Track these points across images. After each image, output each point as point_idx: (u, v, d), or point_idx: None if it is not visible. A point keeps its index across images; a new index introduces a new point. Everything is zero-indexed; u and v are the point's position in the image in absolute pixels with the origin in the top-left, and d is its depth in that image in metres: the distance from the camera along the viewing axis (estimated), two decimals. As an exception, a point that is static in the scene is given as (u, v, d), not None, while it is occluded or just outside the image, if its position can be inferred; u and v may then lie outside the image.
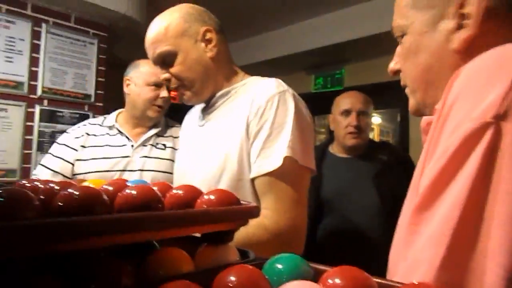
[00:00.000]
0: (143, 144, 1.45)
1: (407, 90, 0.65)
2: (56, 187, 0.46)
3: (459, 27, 0.52)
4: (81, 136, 1.43)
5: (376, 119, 4.58)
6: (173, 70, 0.98)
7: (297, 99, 0.96)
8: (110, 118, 1.53)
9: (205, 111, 1.07)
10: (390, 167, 1.50)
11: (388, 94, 3.44)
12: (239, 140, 0.93)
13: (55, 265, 0.35)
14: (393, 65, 0.66)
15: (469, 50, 0.51)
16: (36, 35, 2.44)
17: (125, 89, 1.54)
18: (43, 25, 2.46)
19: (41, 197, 0.45)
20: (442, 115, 0.45)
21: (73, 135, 1.45)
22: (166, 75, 0.99)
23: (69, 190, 0.41)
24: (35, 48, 2.45)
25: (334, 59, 3.71)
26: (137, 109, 1.47)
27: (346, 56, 3.64)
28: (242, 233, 0.80)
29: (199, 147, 1.04)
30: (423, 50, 0.57)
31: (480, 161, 0.36)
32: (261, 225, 0.86)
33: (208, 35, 0.98)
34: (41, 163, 1.43)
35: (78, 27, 2.62)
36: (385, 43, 3.26)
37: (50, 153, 1.44)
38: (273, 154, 0.89)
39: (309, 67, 4.01)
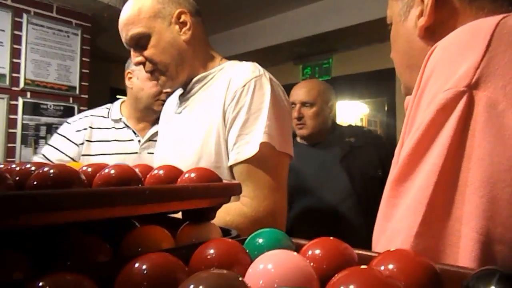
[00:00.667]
0: (150, 139, 1.41)
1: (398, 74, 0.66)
2: (32, 168, 0.45)
3: (421, 14, 0.54)
4: (83, 130, 1.38)
5: (363, 109, 4.60)
6: (147, 53, 0.95)
7: (274, 83, 0.94)
8: (115, 111, 1.47)
9: (182, 98, 1.05)
10: (358, 148, 1.53)
11: (375, 84, 3.46)
12: (215, 127, 0.92)
13: (31, 241, 0.34)
14: (391, 54, 0.67)
15: (432, 36, 0.53)
16: (17, 25, 2.38)
17: (127, 83, 1.49)
18: (24, 15, 2.40)
19: (16, 178, 0.44)
20: (419, 90, 0.45)
21: (74, 127, 1.39)
22: (139, 59, 0.96)
23: (45, 168, 0.40)
24: (16, 39, 2.39)
25: (321, 48, 3.70)
26: (141, 103, 1.43)
27: (334, 45, 3.64)
28: (221, 221, 0.79)
29: (176, 134, 1.02)
30: (400, 37, 0.60)
31: (454, 129, 0.37)
32: (241, 213, 0.86)
33: (183, 18, 0.95)
34: (42, 152, 1.38)
35: (61, 17, 2.57)
36: (372, 32, 3.28)
37: (50, 144, 1.39)
38: (250, 140, 0.87)
39: (296, 57, 4.00)
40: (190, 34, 0.96)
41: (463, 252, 0.35)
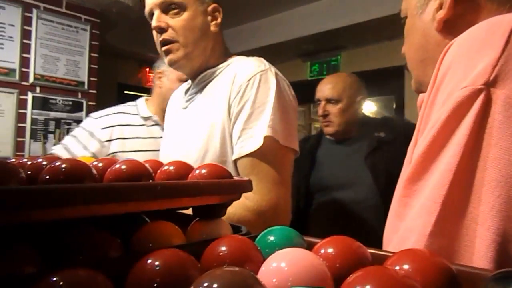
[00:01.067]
0: None
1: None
2: (44, 162, 0.45)
3: (440, 7, 0.53)
4: (110, 127, 1.38)
5: (371, 107, 4.57)
6: (174, 22, 0.94)
7: (279, 78, 0.94)
8: (144, 108, 1.48)
9: (189, 93, 1.06)
10: (387, 143, 1.46)
11: (384, 81, 3.43)
12: (220, 121, 0.92)
13: (42, 236, 0.34)
14: (402, 48, 0.66)
15: (450, 30, 0.52)
16: (27, 20, 2.40)
17: (156, 82, 1.51)
18: (34, 10, 2.42)
19: (28, 172, 0.45)
20: (434, 87, 0.44)
21: (101, 124, 1.39)
22: (162, 24, 0.94)
23: (57, 163, 0.40)
24: (26, 34, 2.40)
25: (330, 45, 3.68)
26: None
27: (342, 42, 3.61)
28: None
29: (182, 130, 1.02)
30: (416, 31, 0.59)
31: (471, 128, 0.36)
32: (244, 206, 0.86)
33: (217, 13, 0.99)
34: (64, 142, 1.38)
35: (70, 12, 2.58)
36: (381, 29, 3.24)
37: (74, 136, 1.38)
38: (254, 134, 0.87)
39: (304, 54, 3.98)
40: (217, 29, 0.99)
41: (478, 252, 0.34)
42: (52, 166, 0.39)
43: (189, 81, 1.09)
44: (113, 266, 0.31)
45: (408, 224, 0.40)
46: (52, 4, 2.51)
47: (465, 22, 0.49)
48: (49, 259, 0.33)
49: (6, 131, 2.33)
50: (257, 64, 0.93)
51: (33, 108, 2.43)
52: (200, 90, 1.02)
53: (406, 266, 0.29)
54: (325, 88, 1.55)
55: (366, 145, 1.48)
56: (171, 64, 0.99)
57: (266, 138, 0.86)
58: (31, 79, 2.42)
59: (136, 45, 3.74)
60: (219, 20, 0.99)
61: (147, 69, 4.61)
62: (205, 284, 0.24)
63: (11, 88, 2.35)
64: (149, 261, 0.28)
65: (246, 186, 0.44)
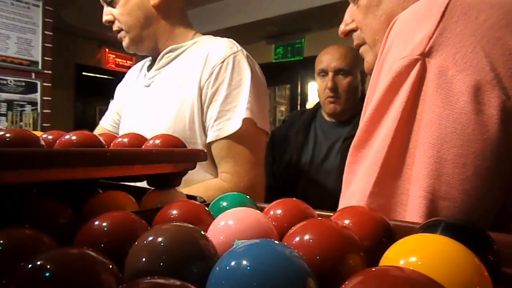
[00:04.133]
0: None
1: (364, 49, 0.66)
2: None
3: None
4: None
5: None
6: (114, 11, 0.95)
7: (250, 60, 0.94)
8: None
9: (151, 70, 1.02)
10: None
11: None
12: (190, 102, 0.90)
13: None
14: (344, 27, 0.66)
15: None
16: (-29, -6, 2.22)
17: None
18: (-21, -17, 2.24)
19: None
20: (380, 60, 0.46)
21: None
22: (109, 17, 0.96)
23: (1, 132, 0.39)
24: (-30, 9, 2.23)
25: (294, 28, 3.69)
26: None
27: (307, 25, 3.63)
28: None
29: (146, 108, 0.99)
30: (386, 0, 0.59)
31: (408, 95, 0.39)
32: (221, 188, 0.87)
33: None
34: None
35: (20, -13, 2.41)
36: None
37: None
38: (232, 117, 0.87)
39: (269, 36, 3.97)
40: (159, 1, 0.94)
41: (411, 209, 0.37)
42: (-5, 135, 0.38)
43: (149, 58, 1.07)
44: (59, 230, 0.31)
45: (353, 188, 0.42)
46: (-1, -24, 2.33)
47: None
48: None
49: (-48, 113, 2.18)
50: (229, 45, 0.92)
51: (-19, 89, 2.28)
52: (163, 67, 0.99)
53: (346, 221, 0.31)
54: (333, 58, 1.32)
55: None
56: (127, 50, 1.00)
57: (244, 120, 0.86)
58: (-22, 58, 2.26)
59: (95, 24, 3.57)
60: None
61: (107, 50, 4.43)
62: (150, 238, 0.24)
63: (-44, 67, 2.19)
64: (96, 222, 0.28)
65: (199, 155, 0.44)
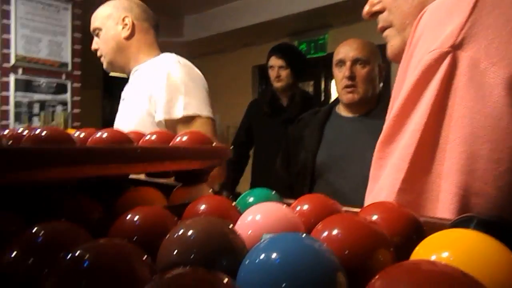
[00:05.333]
0: None
1: (389, 32, 0.64)
2: (24, 132, 0.46)
3: None
4: None
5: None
6: (98, 41, 1.26)
7: (184, 62, 1.18)
8: None
9: (126, 86, 1.31)
10: None
11: (371, 59, 3.43)
12: (145, 112, 1.12)
13: (25, 200, 0.35)
14: (369, 7, 0.65)
15: None
16: (5, 0, 2.32)
17: None
18: (12, -11, 2.34)
19: (10, 141, 0.45)
20: (408, 52, 0.45)
21: None
22: (95, 46, 1.26)
23: (36, 131, 0.41)
24: (5, 14, 2.33)
25: (317, 24, 3.65)
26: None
27: (330, 20, 3.59)
28: None
29: (118, 121, 1.26)
30: None
31: (438, 89, 0.38)
32: None
33: (126, 20, 1.23)
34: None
35: (50, -9, 2.50)
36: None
37: None
38: (177, 110, 1.08)
39: (292, 33, 3.95)
40: (129, 33, 1.23)
41: (442, 206, 0.36)
42: (32, 134, 0.40)
43: None
44: (92, 225, 0.32)
45: (380, 183, 0.42)
46: (31, -18, 2.43)
47: None
48: (31, 222, 0.34)
49: (-11, 114, 2.29)
50: (168, 59, 1.19)
51: (16, 90, 2.38)
52: (131, 84, 1.26)
53: (374, 217, 0.31)
54: (351, 48, 1.33)
55: (379, 124, 1.32)
56: (106, 70, 1.32)
57: (190, 117, 1.08)
58: (12, 61, 2.36)
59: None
60: (128, 25, 1.23)
61: (133, 50, 4.50)
62: (181, 232, 0.25)
63: (-8, 70, 2.30)
64: (128, 216, 0.29)
65: (226, 152, 0.45)
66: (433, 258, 0.22)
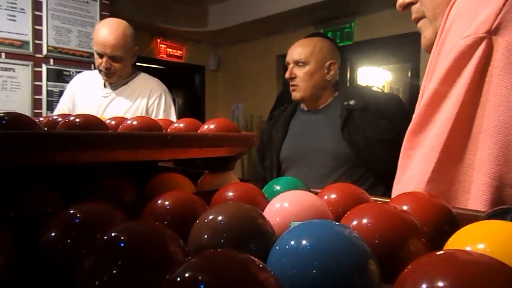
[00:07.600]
0: None
1: (422, 23, 0.63)
2: (59, 119, 0.47)
3: None
4: None
5: (385, 75, 4.48)
6: (117, 65, 1.52)
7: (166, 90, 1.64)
8: None
9: (108, 88, 1.57)
10: (358, 111, 1.37)
11: (399, 48, 3.33)
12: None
13: (64, 181, 0.36)
14: (402, 0, 0.63)
15: None
16: (37, -9, 2.39)
17: None
18: (43, -19, 2.40)
19: (45, 128, 0.47)
20: (441, 39, 0.44)
21: None
22: (109, 66, 1.50)
23: (71, 117, 0.42)
24: (37, 6, 2.40)
25: (343, 12, 3.57)
26: None
27: (356, 8, 3.50)
28: None
29: (107, 114, 1.42)
30: None
31: (472, 76, 0.36)
32: None
33: (136, 52, 1.60)
34: None
35: (79, -18, 2.55)
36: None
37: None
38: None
39: (317, 21, 3.88)
40: (134, 60, 1.61)
41: (474, 196, 0.35)
42: (67, 120, 0.41)
43: (100, 76, 1.58)
44: (127, 207, 0.33)
45: (409, 173, 0.41)
46: (61, -26, 2.48)
47: None
48: (70, 202, 0.35)
49: (24, 103, 2.38)
50: (160, 84, 1.63)
51: (48, 80, 2.46)
52: (119, 87, 1.56)
53: (405, 207, 0.30)
54: (294, 51, 1.48)
55: (333, 115, 1.40)
56: (108, 79, 1.56)
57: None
58: (44, 51, 2.44)
59: (147, 15, 3.70)
60: (136, 55, 1.60)
61: (159, 40, 4.57)
62: (211, 216, 0.25)
63: (26, 60, 2.38)
64: (159, 201, 0.30)
65: (252, 140, 0.45)
66: (467, 249, 0.21)
